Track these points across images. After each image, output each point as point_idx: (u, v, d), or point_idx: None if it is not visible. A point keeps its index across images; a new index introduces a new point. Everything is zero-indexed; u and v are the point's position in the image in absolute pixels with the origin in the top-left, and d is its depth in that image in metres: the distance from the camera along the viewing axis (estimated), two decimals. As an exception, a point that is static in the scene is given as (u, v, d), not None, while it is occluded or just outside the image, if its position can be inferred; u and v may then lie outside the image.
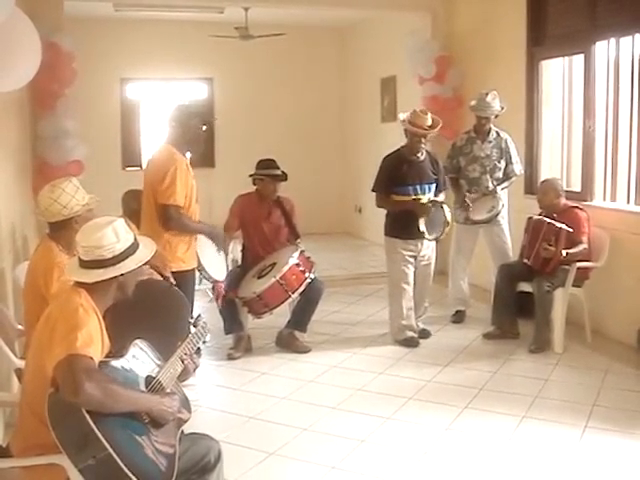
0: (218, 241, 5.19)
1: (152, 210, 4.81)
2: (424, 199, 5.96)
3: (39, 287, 3.66)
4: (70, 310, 2.65)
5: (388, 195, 6.04)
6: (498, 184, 6.51)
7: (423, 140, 5.95)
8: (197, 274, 5.18)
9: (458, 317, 6.86)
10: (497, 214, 6.46)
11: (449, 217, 6.00)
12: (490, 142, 6.54)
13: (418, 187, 5.98)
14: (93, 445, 2.41)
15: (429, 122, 5.91)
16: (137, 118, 11.77)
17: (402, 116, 6.01)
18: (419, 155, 6.01)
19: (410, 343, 6.11)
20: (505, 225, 6.62)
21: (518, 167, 6.62)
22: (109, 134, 11.13)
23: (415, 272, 6.18)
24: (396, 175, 5.97)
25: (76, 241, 2.84)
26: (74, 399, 2.41)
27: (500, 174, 6.55)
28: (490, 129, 6.55)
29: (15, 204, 5.52)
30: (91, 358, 2.52)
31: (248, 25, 9.67)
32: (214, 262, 5.31)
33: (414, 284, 6.19)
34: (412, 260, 6.12)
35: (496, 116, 6.52)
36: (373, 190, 6.15)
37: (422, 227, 5.90)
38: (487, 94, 6.44)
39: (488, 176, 6.50)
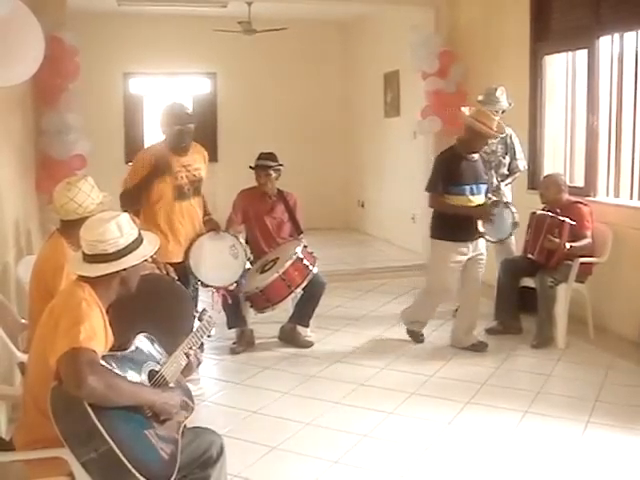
0: (159, 168, 4.99)
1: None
2: (479, 200, 5.66)
3: (46, 282, 3.67)
4: (74, 304, 2.66)
5: (442, 195, 5.65)
6: (502, 180, 6.50)
7: (489, 141, 5.77)
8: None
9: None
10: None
11: (517, 217, 5.77)
12: (496, 137, 6.51)
13: (474, 187, 5.64)
14: (95, 439, 2.42)
15: (496, 123, 5.62)
16: (140, 113, 11.76)
17: (466, 111, 5.68)
18: (474, 155, 5.73)
19: (417, 337, 6.06)
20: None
21: (522, 163, 6.60)
22: (112, 129, 11.13)
23: (466, 273, 5.83)
24: (452, 174, 5.60)
25: (80, 235, 2.85)
26: (77, 392, 2.42)
27: (505, 170, 6.52)
28: None
29: (18, 198, 5.53)
30: (94, 351, 2.53)
31: (251, 20, 9.67)
32: (219, 267, 5.24)
33: (465, 287, 5.90)
34: (461, 265, 5.77)
35: (503, 112, 6.46)
36: (428, 190, 5.77)
37: (481, 228, 5.64)
38: (496, 89, 6.40)
39: (493, 172, 6.47)
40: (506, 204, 5.83)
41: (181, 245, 5.07)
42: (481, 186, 5.69)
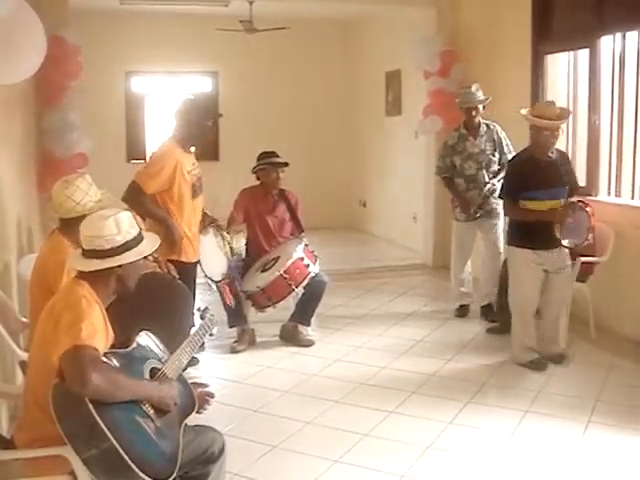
0: (169, 236, 4.85)
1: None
2: (557, 205, 5.25)
3: (47, 281, 3.67)
4: (73, 301, 2.68)
5: (517, 202, 5.28)
6: (493, 177, 6.49)
7: (555, 134, 5.23)
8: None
9: (462, 311, 6.85)
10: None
11: (593, 221, 5.35)
12: (482, 136, 6.51)
13: (552, 191, 5.25)
14: (97, 435, 2.43)
15: (558, 112, 5.24)
16: (142, 111, 11.79)
17: (524, 111, 5.36)
18: (550, 154, 5.31)
19: (538, 366, 5.37)
20: (501, 222, 6.60)
21: (511, 156, 6.59)
22: (114, 127, 11.14)
23: (546, 287, 5.41)
24: (526, 180, 5.23)
25: (79, 230, 2.87)
26: (80, 389, 2.44)
27: (495, 167, 6.52)
28: (479, 122, 6.54)
29: (20, 197, 5.53)
30: (96, 349, 2.55)
31: (253, 18, 9.66)
32: (217, 261, 5.32)
33: (550, 301, 5.49)
34: (542, 276, 5.39)
35: (483, 107, 6.48)
36: (500, 197, 5.62)
37: (558, 234, 5.21)
38: (470, 86, 6.47)
39: (484, 171, 6.46)
40: (581, 207, 5.35)
41: (196, 243, 5.15)
42: (560, 189, 5.27)
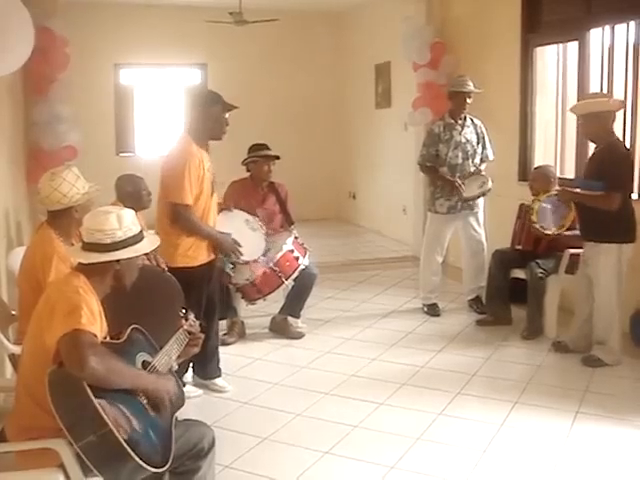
0: (223, 250, 4.81)
1: (162, 204, 4.58)
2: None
3: (36, 273, 3.67)
4: (70, 291, 2.69)
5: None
6: (476, 169, 6.51)
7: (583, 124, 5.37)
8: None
9: (435, 310, 6.69)
10: (489, 190, 6.37)
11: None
12: (468, 126, 6.51)
13: (579, 179, 5.50)
14: (95, 421, 2.43)
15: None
16: (131, 104, 11.72)
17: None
18: (598, 145, 5.30)
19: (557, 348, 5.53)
20: (480, 214, 6.62)
21: (491, 152, 6.61)
22: (103, 119, 11.08)
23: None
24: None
25: (82, 223, 2.88)
26: (79, 372, 2.45)
27: (478, 159, 6.54)
28: (464, 114, 6.53)
29: (9, 190, 5.52)
30: (95, 335, 2.57)
31: (242, 10, 9.63)
32: (245, 242, 5.19)
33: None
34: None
35: (469, 97, 6.43)
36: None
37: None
38: (463, 75, 6.50)
39: (470, 161, 6.47)
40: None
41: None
42: (585, 181, 5.28)
